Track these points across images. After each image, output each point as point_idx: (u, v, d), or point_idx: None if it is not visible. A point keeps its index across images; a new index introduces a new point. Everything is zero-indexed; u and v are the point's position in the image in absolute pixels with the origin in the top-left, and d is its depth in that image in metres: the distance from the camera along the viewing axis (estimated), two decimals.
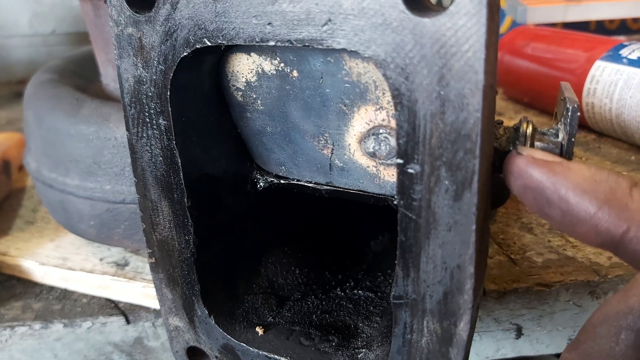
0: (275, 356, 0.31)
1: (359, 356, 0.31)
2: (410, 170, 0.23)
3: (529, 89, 0.75)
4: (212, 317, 0.32)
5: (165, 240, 0.31)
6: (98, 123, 0.38)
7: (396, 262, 0.25)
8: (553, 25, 0.92)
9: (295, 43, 0.23)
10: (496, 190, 0.27)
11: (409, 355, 0.26)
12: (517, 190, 0.24)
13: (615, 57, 0.63)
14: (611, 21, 0.97)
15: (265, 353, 0.31)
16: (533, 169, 0.23)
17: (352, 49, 0.22)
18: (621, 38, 0.72)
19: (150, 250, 0.32)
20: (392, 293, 0.25)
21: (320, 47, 0.23)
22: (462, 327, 0.24)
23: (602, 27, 0.96)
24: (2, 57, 1.04)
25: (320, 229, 0.42)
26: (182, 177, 0.29)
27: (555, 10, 0.92)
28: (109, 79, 0.45)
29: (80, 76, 0.47)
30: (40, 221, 0.52)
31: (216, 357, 0.33)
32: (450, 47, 0.20)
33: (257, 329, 0.32)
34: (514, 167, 0.24)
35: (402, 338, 0.26)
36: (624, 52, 0.63)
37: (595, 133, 0.68)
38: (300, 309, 0.35)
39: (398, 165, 0.23)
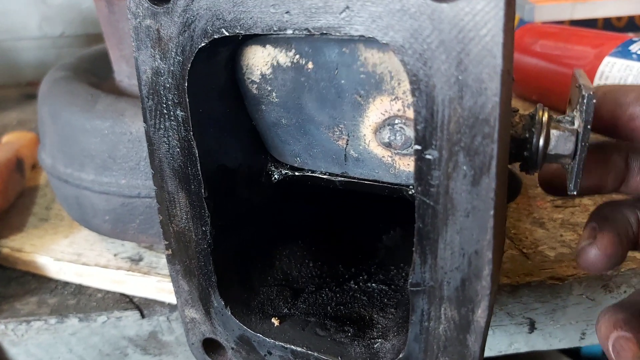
0: (292, 346, 0.31)
1: (375, 346, 0.31)
2: (428, 156, 0.23)
3: (538, 86, 0.75)
4: (228, 308, 0.32)
5: (182, 232, 0.31)
6: (113, 118, 0.38)
7: (413, 249, 0.25)
8: (560, 23, 0.92)
9: (312, 31, 0.23)
10: (508, 185, 0.27)
11: (427, 343, 0.26)
12: None
13: (624, 52, 0.63)
14: (619, 18, 0.96)
15: (282, 343, 0.31)
16: None
17: (370, 36, 0.22)
18: (630, 35, 0.72)
19: (167, 242, 0.32)
20: (410, 280, 0.26)
21: (337, 34, 0.23)
22: (480, 313, 0.24)
23: (609, 25, 0.96)
24: (11, 60, 1.05)
25: (333, 224, 0.42)
26: (199, 168, 0.29)
27: (562, 8, 0.92)
28: (122, 76, 0.46)
29: (93, 73, 0.48)
30: (54, 218, 0.53)
31: (232, 348, 0.33)
32: (468, 31, 0.20)
33: (273, 320, 0.32)
34: None
35: (420, 326, 0.26)
36: (633, 48, 0.63)
37: None
38: (315, 301, 0.35)
39: (416, 152, 0.23)
